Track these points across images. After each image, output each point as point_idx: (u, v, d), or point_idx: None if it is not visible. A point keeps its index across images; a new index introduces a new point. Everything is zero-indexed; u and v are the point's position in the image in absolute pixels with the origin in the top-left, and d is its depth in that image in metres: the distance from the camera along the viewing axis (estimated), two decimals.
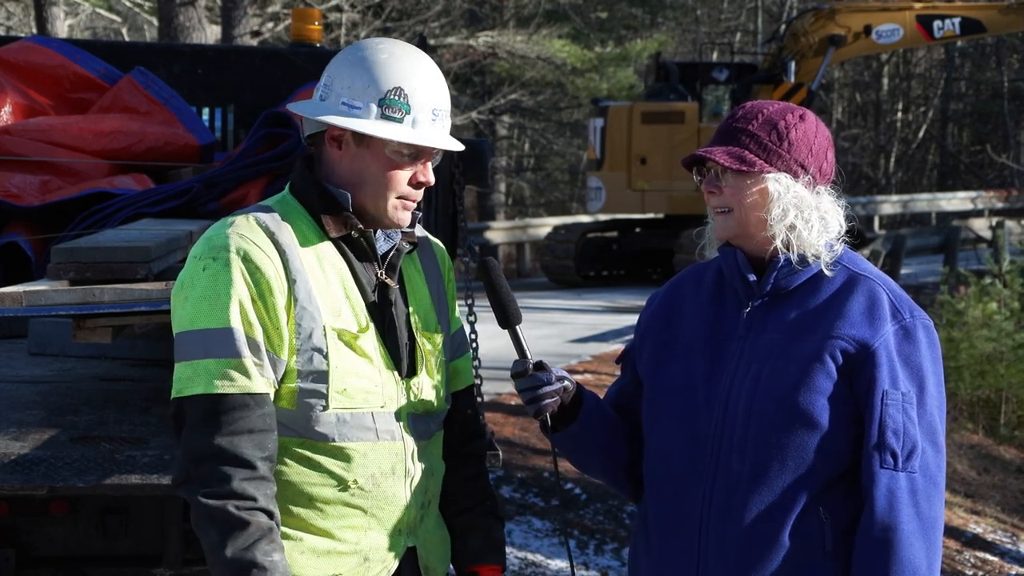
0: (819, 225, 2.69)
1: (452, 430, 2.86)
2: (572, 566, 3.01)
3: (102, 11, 22.46)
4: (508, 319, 2.75)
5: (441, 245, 2.92)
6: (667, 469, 2.77)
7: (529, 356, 2.75)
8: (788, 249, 2.69)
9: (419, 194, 2.68)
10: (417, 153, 2.65)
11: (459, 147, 2.68)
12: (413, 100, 2.62)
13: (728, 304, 2.77)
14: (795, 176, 2.69)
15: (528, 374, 2.73)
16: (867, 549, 2.62)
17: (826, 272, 2.71)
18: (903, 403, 2.63)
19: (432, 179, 2.69)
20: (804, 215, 2.68)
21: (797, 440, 2.64)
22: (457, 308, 2.93)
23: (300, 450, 2.61)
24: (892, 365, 2.64)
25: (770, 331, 2.71)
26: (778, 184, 2.68)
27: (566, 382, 2.77)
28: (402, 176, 2.64)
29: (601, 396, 2.94)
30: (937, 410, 2.68)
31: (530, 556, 8.47)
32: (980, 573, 9.77)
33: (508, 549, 8.51)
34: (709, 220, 2.79)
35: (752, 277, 2.73)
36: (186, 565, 3.90)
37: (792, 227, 2.68)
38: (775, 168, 2.68)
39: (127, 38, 24.89)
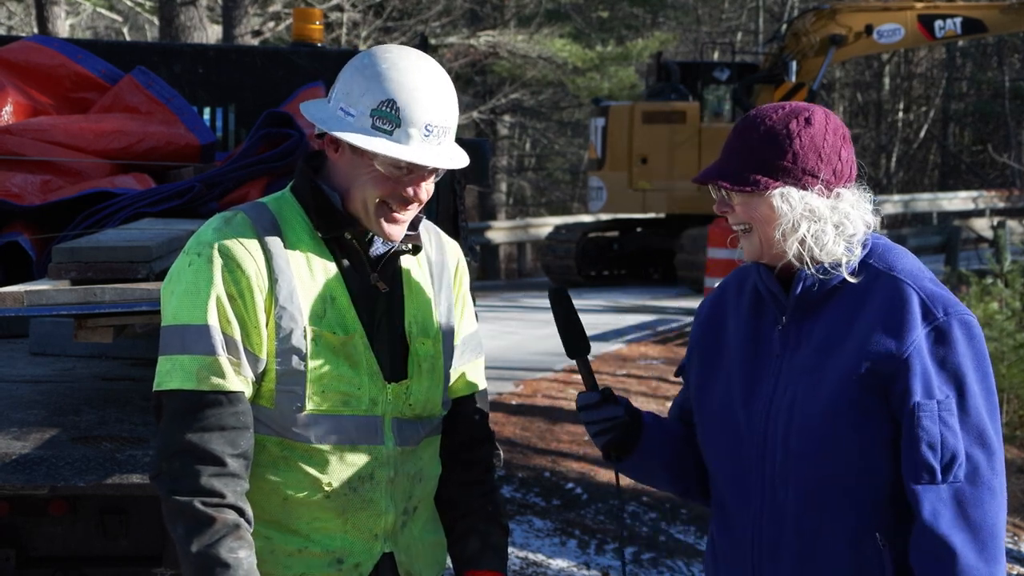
0: (834, 233, 2.58)
1: (456, 435, 2.82)
2: (624, 571, 2.98)
3: (103, 11, 22.47)
4: (578, 349, 2.77)
5: (456, 245, 2.85)
6: (720, 495, 2.74)
7: (597, 387, 2.74)
8: (801, 262, 2.60)
9: (408, 209, 2.62)
10: (410, 168, 2.58)
11: (451, 165, 2.58)
12: (404, 114, 2.55)
13: (766, 318, 2.69)
14: (804, 187, 2.57)
15: (595, 406, 2.72)
16: (924, 569, 2.54)
17: (851, 279, 2.60)
18: (939, 412, 2.51)
19: (424, 197, 2.61)
20: (816, 226, 2.57)
21: (838, 465, 2.56)
22: (471, 311, 2.86)
23: (277, 449, 2.61)
24: (925, 373, 2.53)
25: (803, 348, 2.62)
26: (784, 200, 2.57)
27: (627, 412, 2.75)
28: (388, 188, 2.58)
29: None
30: (985, 409, 2.54)
31: (531, 556, 8.47)
32: None
33: (508, 549, 8.47)
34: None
35: (779, 291, 2.65)
36: None
37: (803, 241, 2.58)
38: (781, 183, 2.57)
39: (128, 38, 24.89)
